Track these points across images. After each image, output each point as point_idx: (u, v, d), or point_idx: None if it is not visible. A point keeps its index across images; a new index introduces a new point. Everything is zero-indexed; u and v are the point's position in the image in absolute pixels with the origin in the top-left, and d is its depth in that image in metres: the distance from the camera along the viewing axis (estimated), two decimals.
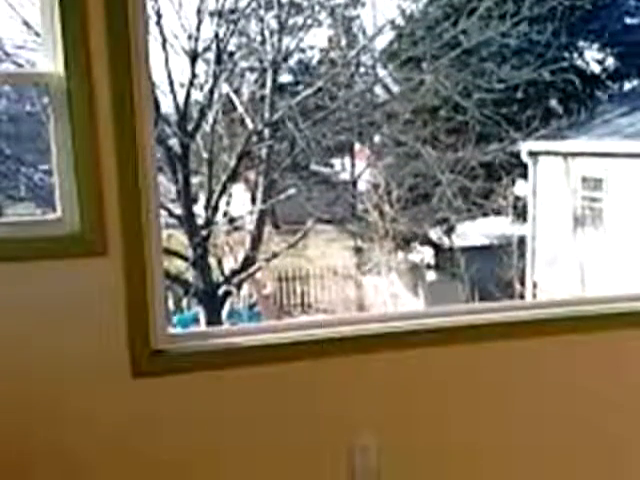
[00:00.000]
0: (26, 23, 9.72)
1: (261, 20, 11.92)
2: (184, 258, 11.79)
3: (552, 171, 13.54)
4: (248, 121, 11.82)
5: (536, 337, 3.34)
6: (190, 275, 12.06)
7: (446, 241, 15.02)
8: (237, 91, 12.35)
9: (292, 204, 12.85)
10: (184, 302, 13.38)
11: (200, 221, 11.65)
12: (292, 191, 12.47)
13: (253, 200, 12.65)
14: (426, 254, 15.48)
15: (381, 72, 13.79)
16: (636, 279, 10.55)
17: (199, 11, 11.14)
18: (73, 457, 2.94)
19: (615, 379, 3.49)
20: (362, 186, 14.67)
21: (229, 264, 12.70)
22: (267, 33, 11.89)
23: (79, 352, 2.88)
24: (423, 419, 3.29)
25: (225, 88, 11.98)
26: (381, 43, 14.30)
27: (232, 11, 11.51)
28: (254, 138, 11.81)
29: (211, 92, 11.54)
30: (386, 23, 13.07)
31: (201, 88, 11.61)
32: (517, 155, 13.66)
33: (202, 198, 12.08)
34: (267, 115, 11.72)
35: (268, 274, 14.47)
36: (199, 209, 11.88)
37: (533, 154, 13.65)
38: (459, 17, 12.17)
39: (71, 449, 2.94)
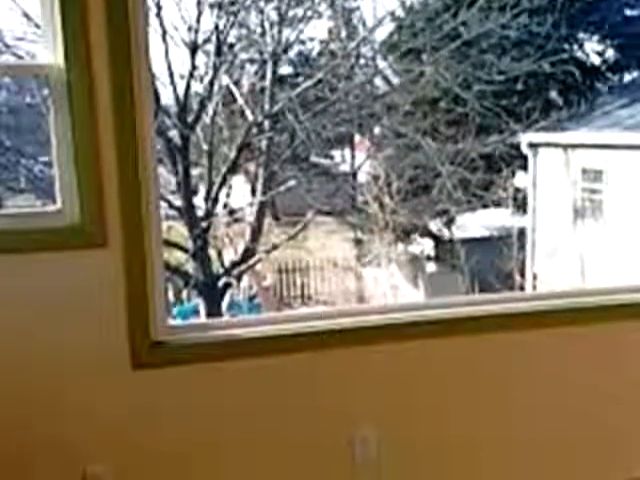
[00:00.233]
0: (26, 15, 9.69)
1: (261, 12, 11.88)
2: (184, 250, 11.78)
3: (552, 163, 13.53)
4: (248, 113, 11.80)
5: (536, 328, 3.34)
6: (190, 267, 12.04)
7: (446, 233, 15.00)
8: (237, 83, 12.32)
9: (292, 196, 12.83)
10: (184, 294, 13.37)
11: (200, 213, 11.64)
12: (292, 183, 12.45)
13: (253, 192, 12.63)
14: (426, 246, 15.46)
15: (381, 64, 13.75)
16: (636, 271, 10.54)
17: (199, 3, 11.11)
18: (73, 449, 2.95)
19: (615, 371, 3.49)
20: (362, 178, 14.65)
21: (229, 256, 12.69)
22: (267, 25, 11.86)
23: (79, 344, 2.88)
24: (423, 410, 3.30)
25: (225, 80, 11.96)
26: (381, 35, 14.29)
27: (232, 3, 11.47)
28: (254, 130, 11.79)
29: (211, 84, 11.51)
30: (386, 14, 13.04)
31: (201, 80, 11.58)
32: (517, 147, 13.63)
33: (202, 190, 12.06)
34: (267, 107, 11.69)
35: (268, 266, 14.45)
36: (199, 201, 11.86)
37: (533, 146, 13.63)
38: (459, 9, 12.13)
39: (71, 441, 2.94)
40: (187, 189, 11.35)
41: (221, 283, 12.08)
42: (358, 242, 15.05)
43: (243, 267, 12.34)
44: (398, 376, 3.25)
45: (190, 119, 11.37)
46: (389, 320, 3.24)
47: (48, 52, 2.74)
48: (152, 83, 3.14)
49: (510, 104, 13.51)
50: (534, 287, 13.55)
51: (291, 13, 11.98)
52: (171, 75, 11.17)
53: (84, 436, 2.95)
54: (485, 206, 14.27)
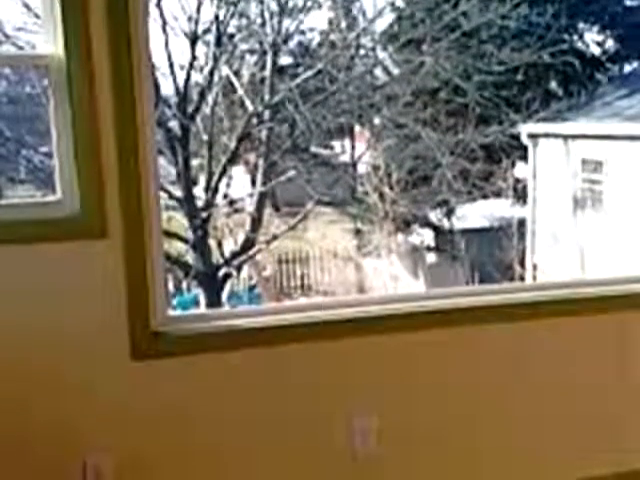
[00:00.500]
0: (26, 5, 9.68)
1: (261, 2, 11.85)
2: (184, 240, 11.78)
3: (552, 153, 13.53)
4: (248, 103, 11.79)
5: (536, 319, 3.35)
6: (190, 257, 12.05)
7: (446, 223, 15.01)
8: (237, 73, 12.32)
9: (292, 186, 12.82)
10: (184, 284, 13.38)
11: (200, 203, 11.64)
12: (292, 173, 12.44)
13: (253, 182, 12.65)
14: (426, 236, 15.47)
15: (381, 54, 13.74)
16: (636, 261, 10.54)
17: None
18: (73, 439, 2.96)
19: (615, 360, 3.50)
20: (362, 168, 14.64)
21: (229, 246, 12.70)
22: (267, 15, 11.85)
23: (79, 335, 2.88)
24: (423, 400, 3.31)
25: (225, 70, 11.95)
26: (381, 25, 14.30)
27: None
28: (254, 120, 11.79)
29: (211, 74, 11.50)
30: (386, 5, 13.04)
31: (201, 70, 11.57)
32: (517, 137, 13.64)
33: (202, 180, 12.05)
34: (267, 97, 11.69)
35: (268, 256, 14.46)
36: (199, 191, 11.86)
37: (533, 136, 13.63)
38: None
39: (71, 431, 2.95)
40: (187, 179, 11.35)
41: (221, 273, 12.09)
42: (358, 232, 15.07)
43: (243, 257, 12.35)
44: (398, 366, 3.25)
45: (190, 109, 11.37)
46: (389, 310, 3.24)
47: (48, 42, 2.74)
48: (152, 73, 3.14)
49: (510, 95, 13.49)
50: (534, 277, 13.57)
51: (291, 3, 11.96)
52: (171, 65, 11.17)
53: (84, 426, 2.96)
54: (485, 197, 14.29)
